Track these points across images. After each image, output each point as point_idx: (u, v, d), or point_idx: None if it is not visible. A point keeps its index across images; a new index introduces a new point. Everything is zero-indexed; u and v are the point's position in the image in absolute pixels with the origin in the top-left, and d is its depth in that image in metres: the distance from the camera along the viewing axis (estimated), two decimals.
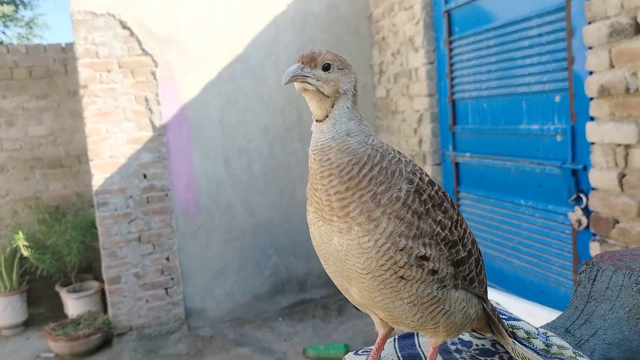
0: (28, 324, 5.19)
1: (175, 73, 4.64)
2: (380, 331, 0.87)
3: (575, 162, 2.83)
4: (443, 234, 0.76)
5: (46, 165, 5.53)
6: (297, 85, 0.80)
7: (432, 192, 0.78)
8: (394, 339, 0.94)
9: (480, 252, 0.85)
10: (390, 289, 0.74)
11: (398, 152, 0.81)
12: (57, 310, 5.25)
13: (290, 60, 4.97)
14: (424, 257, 0.74)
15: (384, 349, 0.89)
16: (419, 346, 0.91)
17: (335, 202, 0.74)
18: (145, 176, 4.60)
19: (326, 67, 0.80)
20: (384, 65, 4.95)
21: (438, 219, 0.76)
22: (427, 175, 0.80)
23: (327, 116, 0.79)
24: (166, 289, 4.71)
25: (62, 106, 5.54)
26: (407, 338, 0.94)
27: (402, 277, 0.73)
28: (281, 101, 4.99)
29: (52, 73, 5.52)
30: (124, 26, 4.46)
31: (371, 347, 0.89)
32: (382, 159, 0.76)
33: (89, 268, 5.47)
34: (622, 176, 2.42)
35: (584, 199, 2.75)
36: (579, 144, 2.78)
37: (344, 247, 0.75)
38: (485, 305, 0.86)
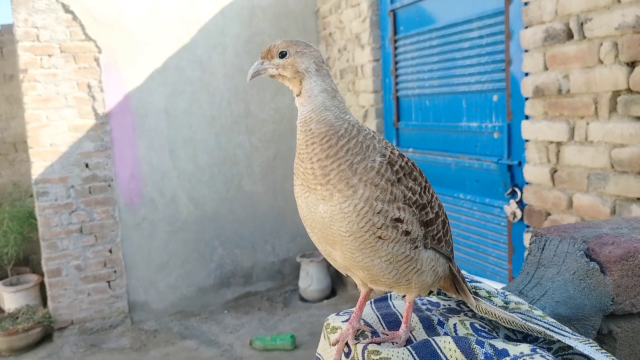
0: None
1: (119, 60, 4.55)
2: (362, 290, 0.97)
3: (510, 158, 3.01)
4: (414, 198, 0.87)
5: None
6: (264, 75, 0.93)
7: (403, 163, 0.88)
8: (370, 302, 1.04)
9: (446, 215, 0.97)
10: (370, 249, 0.85)
11: (373, 130, 0.91)
12: None
13: (237, 52, 4.98)
14: (398, 219, 0.84)
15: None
16: (394, 307, 1.01)
17: (318, 170, 0.84)
18: (87, 165, 4.49)
19: (282, 55, 0.91)
20: (331, 61, 5.04)
21: (409, 186, 0.87)
22: (397, 149, 0.91)
23: (301, 91, 0.90)
24: (109, 281, 4.62)
25: None
26: (382, 301, 1.05)
27: (379, 237, 0.84)
28: (228, 92, 4.99)
29: None
30: (67, 10, 4.33)
31: (351, 309, 0.98)
32: (358, 134, 0.86)
33: (26, 261, 5.27)
34: (553, 171, 2.60)
35: (519, 193, 2.93)
36: (515, 141, 2.96)
37: (328, 213, 0.85)
38: (451, 265, 0.98)
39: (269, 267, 5.31)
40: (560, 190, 2.58)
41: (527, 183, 2.81)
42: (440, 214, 0.93)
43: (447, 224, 0.96)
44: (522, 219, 2.91)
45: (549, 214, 2.67)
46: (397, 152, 0.89)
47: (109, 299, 4.63)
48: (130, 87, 4.61)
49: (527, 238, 2.83)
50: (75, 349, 4.30)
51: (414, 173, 0.89)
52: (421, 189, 0.89)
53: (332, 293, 5.18)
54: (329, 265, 5.29)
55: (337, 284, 5.31)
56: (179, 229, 4.90)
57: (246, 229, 5.17)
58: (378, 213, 0.83)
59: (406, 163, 0.89)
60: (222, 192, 5.06)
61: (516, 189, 2.96)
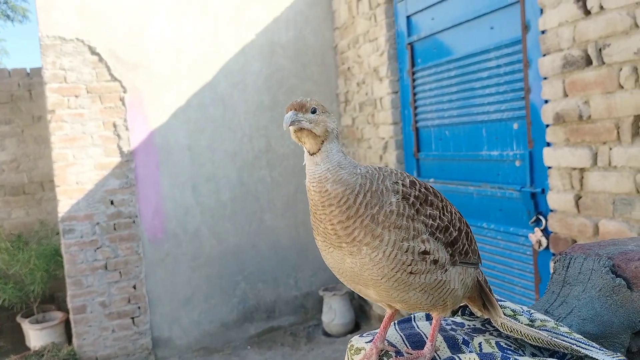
0: None
1: (144, 99, 4.67)
2: (388, 311, 0.98)
3: (533, 185, 2.98)
4: (435, 224, 0.89)
5: (8, 192, 5.41)
6: (292, 128, 0.91)
7: (417, 192, 0.89)
8: (394, 323, 1.03)
9: (467, 224, 0.98)
10: (404, 284, 0.87)
11: (379, 168, 0.92)
12: (17, 342, 5.07)
13: (258, 89, 5.08)
14: (425, 252, 0.86)
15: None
16: (418, 328, 1.00)
17: (341, 231, 0.85)
18: (112, 202, 4.57)
19: (313, 111, 0.91)
20: (350, 95, 5.10)
21: (428, 213, 0.89)
22: (407, 176, 0.92)
23: (320, 150, 0.90)
24: (133, 318, 4.64)
25: (26, 132, 5.46)
26: (405, 322, 1.04)
27: (411, 273, 0.86)
28: (249, 128, 5.07)
29: (16, 98, 5.45)
30: (93, 52, 4.48)
31: (375, 331, 0.98)
32: (371, 184, 0.87)
33: (52, 298, 5.33)
34: (578, 198, 2.57)
35: (543, 221, 2.89)
36: (537, 169, 2.94)
37: (358, 265, 0.86)
38: (478, 274, 0.99)
39: (292, 302, 5.27)
40: (585, 217, 2.54)
41: (551, 210, 2.77)
42: (462, 227, 0.95)
43: (470, 234, 0.97)
44: (547, 247, 2.86)
45: (575, 241, 2.62)
46: (409, 180, 0.90)
47: (133, 335, 4.63)
48: (155, 125, 4.72)
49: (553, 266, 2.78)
50: None
51: (429, 198, 0.90)
52: (439, 211, 0.90)
53: (355, 327, 5.11)
54: (352, 299, 5.23)
55: (360, 317, 5.24)
56: (202, 264, 4.92)
57: (269, 263, 5.16)
58: (405, 252, 0.84)
59: (419, 190, 0.90)
60: (245, 227, 5.08)
61: (540, 217, 2.92)
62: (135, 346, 4.64)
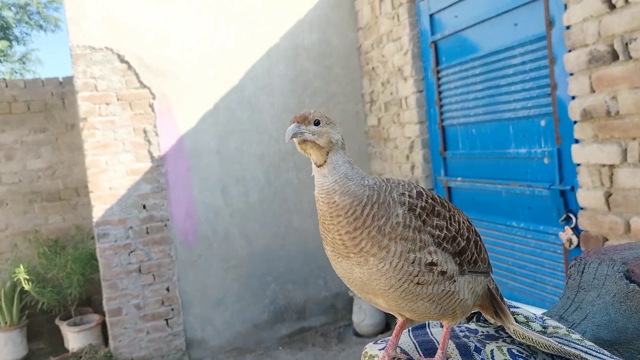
0: None
1: (172, 104, 4.76)
2: (399, 319, 1.00)
3: (563, 183, 2.94)
4: (443, 235, 0.89)
5: (45, 199, 5.59)
6: (296, 140, 0.92)
7: (423, 203, 0.90)
8: (408, 329, 1.05)
9: (476, 232, 0.98)
10: (412, 295, 0.88)
11: (387, 179, 0.93)
12: (57, 344, 5.24)
13: (283, 92, 5.12)
14: (432, 263, 0.87)
15: (400, 338, 1.00)
16: (431, 334, 1.02)
17: (348, 241, 0.86)
18: (144, 207, 4.67)
19: (317, 123, 0.92)
20: (375, 95, 5.10)
21: (434, 224, 0.89)
22: (414, 187, 0.92)
23: (326, 161, 0.91)
24: (167, 319, 4.74)
25: (60, 139, 5.63)
26: (420, 328, 1.06)
27: (418, 283, 0.87)
28: (276, 131, 5.12)
29: (50, 107, 5.62)
30: (122, 60, 4.59)
31: (389, 338, 1.00)
32: (378, 196, 0.88)
33: (89, 301, 5.49)
34: (608, 195, 2.53)
35: (574, 219, 2.85)
36: (566, 166, 2.90)
37: (366, 275, 0.88)
38: (489, 282, 1.00)
39: (321, 302, 5.30)
40: (616, 215, 2.49)
41: (581, 208, 2.73)
42: (470, 236, 0.95)
43: (479, 242, 0.97)
44: (578, 245, 2.82)
45: (606, 239, 2.58)
46: (416, 191, 0.91)
47: (167, 336, 4.73)
48: (184, 129, 4.80)
49: None
50: None
51: (436, 208, 0.91)
52: (447, 222, 0.91)
53: (386, 327, 5.11)
54: None
55: (390, 317, 5.24)
56: (232, 266, 4.99)
57: (297, 264, 5.21)
58: (412, 263, 0.85)
59: (425, 201, 0.90)
60: (273, 228, 5.13)
61: (570, 215, 2.88)
62: (170, 347, 4.74)
